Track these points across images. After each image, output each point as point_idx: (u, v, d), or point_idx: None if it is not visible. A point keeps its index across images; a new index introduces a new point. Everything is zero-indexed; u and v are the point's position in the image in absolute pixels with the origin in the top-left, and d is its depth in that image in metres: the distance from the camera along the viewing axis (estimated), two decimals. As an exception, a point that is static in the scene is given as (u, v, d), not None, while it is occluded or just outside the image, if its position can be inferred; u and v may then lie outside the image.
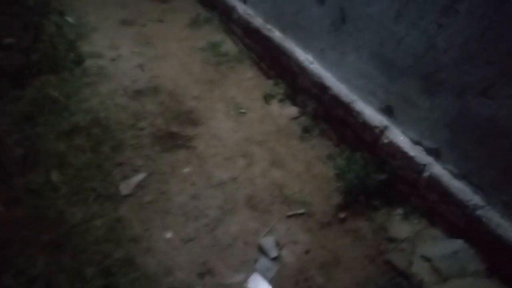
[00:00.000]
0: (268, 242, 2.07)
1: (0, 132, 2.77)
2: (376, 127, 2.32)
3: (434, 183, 2.01)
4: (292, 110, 3.05)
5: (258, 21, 3.49)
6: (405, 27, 2.08)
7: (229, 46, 3.93)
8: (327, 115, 2.73)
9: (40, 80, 3.40)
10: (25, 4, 4.49)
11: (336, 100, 2.60)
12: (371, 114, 2.38)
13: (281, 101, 3.17)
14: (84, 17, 4.45)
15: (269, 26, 3.36)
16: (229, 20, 3.96)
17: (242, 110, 3.12)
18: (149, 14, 4.56)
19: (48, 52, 3.74)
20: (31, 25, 4.14)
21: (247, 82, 3.47)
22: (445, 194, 1.96)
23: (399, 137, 2.22)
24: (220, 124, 2.99)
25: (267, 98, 3.23)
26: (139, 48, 3.93)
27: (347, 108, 2.52)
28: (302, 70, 2.93)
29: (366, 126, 2.38)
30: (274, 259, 2.02)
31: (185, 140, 2.83)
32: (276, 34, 3.25)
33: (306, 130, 2.84)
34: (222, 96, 3.30)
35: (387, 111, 2.31)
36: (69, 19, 4.32)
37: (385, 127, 2.28)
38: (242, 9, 3.71)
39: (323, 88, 2.71)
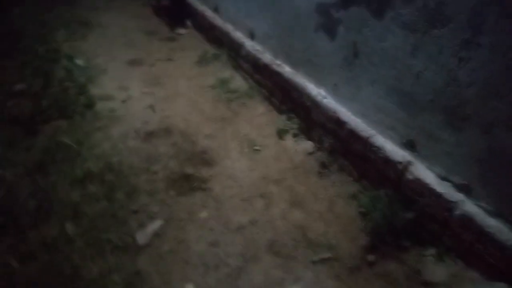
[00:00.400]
0: (294, 291, 1.96)
1: (13, 183, 2.72)
2: (399, 162, 2.23)
3: (467, 221, 1.90)
4: (308, 145, 2.98)
5: (267, 57, 3.47)
6: (422, 62, 2.03)
7: (238, 82, 3.91)
8: (345, 150, 2.65)
9: (52, 126, 3.38)
10: (36, 52, 4.56)
11: (354, 135, 2.53)
12: (392, 149, 2.30)
13: (295, 136, 3.11)
14: (93, 59, 4.49)
15: (278, 62, 3.33)
16: (238, 56, 3.96)
17: (257, 147, 3.06)
18: (157, 53, 4.58)
19: (59, 97, 3.74)
20: (42, 71, 4.18)
21: (259, 118, 3.42)
22: (480, 233, 1.85)
23: (424, 173, 2.13)
24: (235, 164, 2.92)
25: (281, 133, 3.17)
26: (149, 88, 3.92)
27: (366, 143, 2.44)
28: (315, 105, 2.87)
29: (388, 161, 2.30)
30: (303, 310, 1.90)
31: (200, 182, 2.76)
32: (286, 70, 3.22)
33: (324, 166, 2.75)
34: (235, 133, 3.24)
35: (409, 145, 2.23)
36: (79, 62, 4.36)
37: (409, 163, 2.19)
38: (250, 45, 3.71)
39: (339, 122, 2.65)
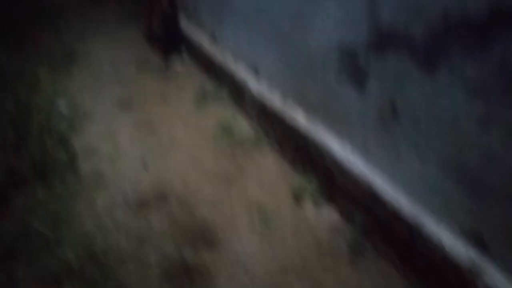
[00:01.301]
0: None
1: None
2: (463, 264, 1.66)
3: None
4: (332, 216, 2.41)
5: (275, 99, 2.91)
6: (498, 139, 1.45)
7: (243, 126, 3.35)
8: (383, 232, 2.08)
9: (25, 194, 2.84)
10: (13, 94, 4.02)
11: (395, 217, 1.96)
12: (452, 245, 1.73)
13: (315, 201, 2.54)
14: (78, 99, 3.95)
15: (290, 107, 2.77)
16: (241, 95, 3.40)
17: (269, 219, 2.49)
18: (150, 90, 4.03)
19: (36, 153, 3.20)
20: (18, 117, 3.65)
21: (270, 174, 2.85)
22: None
23: (501, 283, 1.56)
24: (243, 244, 2.35)
25: (298, 197, 2.60)
26: (140, 136, 3.37)
27: (413, 231, 1.87)
28: (339, 168, 2.31)
29: (446, 261, 1.73)
30: None
31: (202, 272, 2.20)
32: (300, 118, 2.66)
33: (356, 249, 2.18)
34: (242, 197, 2.68)
35: (476, 241, 1.66)
36: (61, 104, 3.82)
37: (478, 269, 1.62)
38: (255, 84, 3.15)
39: (374, 196, 2.08)
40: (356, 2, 1.89)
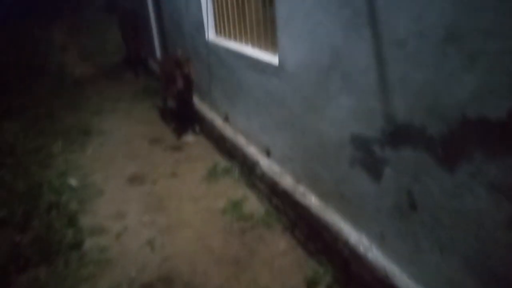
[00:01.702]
0: None
1: None
2: None
3: None
4: (349, 309, 2.25)
5: (287, 181, 2.87)
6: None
7: (253, 204, 3.29)
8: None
9: (28, 277, 2.72)
10: (26, 170, 4.05)
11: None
12: None
13: (330, 291, 2.39)
14: (89, 175, 3.95)
15: (302, 189, 2.72)
16: (252, 174, 3.38)
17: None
18: (161, 167, 4.04)
19: (42, 232, 3.13)
20: (29, 194, 3.63)
21: (282, 259, 2.72)
22: None
23: None
24: None
25: (311, 285, 2.45)
26: (149, 214, 3.30)
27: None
28: (355, 256, 2.20)
29: None
30: None
31: None
32: (313, 201, 2.60)
33: None
34: (252, 284, 2.54)
35: None
36: (72, 181, 3.82)
37: None
38: (266, 165, 3.14)
39: (391, 287, 1.95)
40: (369, 96, 1.92)
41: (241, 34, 3.40)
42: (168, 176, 3.86)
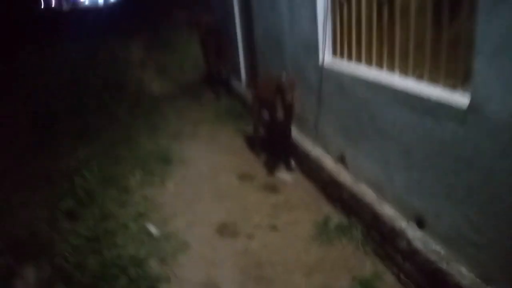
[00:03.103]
0: None
1: None
2: None
3: None
4: None
5: (459, 272, 1.91)
6: None
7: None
8: None
9: None
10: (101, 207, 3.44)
11: None
12: None
13: None
14: (171, 219, 3.25)
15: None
16: (388, 244, 2.45)
17: None
18: (256, 214, 3.24)
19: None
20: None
21: None
22: None
23: None
24: None
25: None
26: (248, 286, 2.49)
27: None
28: None
29: None
30: None
31: None
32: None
33: None
34: None
35: None
36: (152, 228, 3.12)
37: None
38: (419, 240, 2.19)
39: None
40: None
41: (381, 58, 2.52)
42: (266, 229, 3.04)
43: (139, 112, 6.00)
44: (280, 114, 3.49)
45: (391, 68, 2.43)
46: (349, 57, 2.90)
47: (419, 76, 2.18)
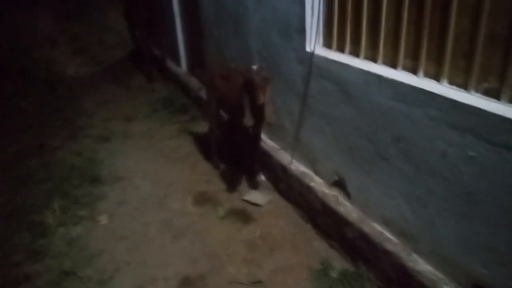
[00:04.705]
0: None
1: None
2: None
3: None
4: None
5: None
6: None
7: None
8: None
9: None
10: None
11: None
12: None
13: None
14: (109, 279, 2.29)
15: None
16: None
17: None
18: (228, 260, 2.39)
19: None
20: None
21: None
22: None
23: None
24: None
25: None
26: None
27: None
28: None
29: None
30: None
31: None
32: None
33: None
34: None
35: None
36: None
37: None
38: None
39: None
40: None
41: (417, 58, 1.72)
42: (248, 286, 2.21)
43: (52, 106, 4.68)
44: (249, 120, 2.59)
45: (436, 71, 1.65)
46: (355, 45, 2.07)
47: (489, 90, 1.44)
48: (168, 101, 4.70)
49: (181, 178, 3.24)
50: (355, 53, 2.08)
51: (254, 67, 2.41)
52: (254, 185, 3.01)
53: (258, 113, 2.57)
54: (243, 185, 3.05)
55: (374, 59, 1.96)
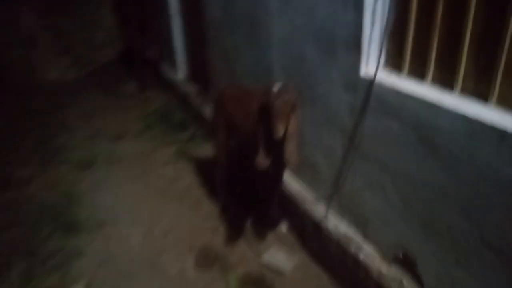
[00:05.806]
0: None
1: None
2: None
3: None
4: None
5: None
6: None
7: None
8: None
9: None
10: None
11: None
12: None
13: None
14: None
15: None
16: None
17: None
18: None
19: None
20: None
21: None
22: None
23: None
24: None
25: None
26: None
27: None
28: None
29: None
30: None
31: None
32: None
33: None
34: None
35: None
36: None
37: None
38: None
39: None
40: None
41: None
42: None
43: (25, 122, 3.95)
44: (261, 157, 1.89)
45: None
46: (445, 72, 1.37)
47: None
48: (163, 114, 3.99)
49: (180, 224, 2.55)
50: (445, 83, 1.38)
51: (276, 88, 1.70)
52: (273, 238, 2.32)
53: (277, 149, 1.86)
54: (262, 238, 2.35)
55: (484, 97, 1.25)
